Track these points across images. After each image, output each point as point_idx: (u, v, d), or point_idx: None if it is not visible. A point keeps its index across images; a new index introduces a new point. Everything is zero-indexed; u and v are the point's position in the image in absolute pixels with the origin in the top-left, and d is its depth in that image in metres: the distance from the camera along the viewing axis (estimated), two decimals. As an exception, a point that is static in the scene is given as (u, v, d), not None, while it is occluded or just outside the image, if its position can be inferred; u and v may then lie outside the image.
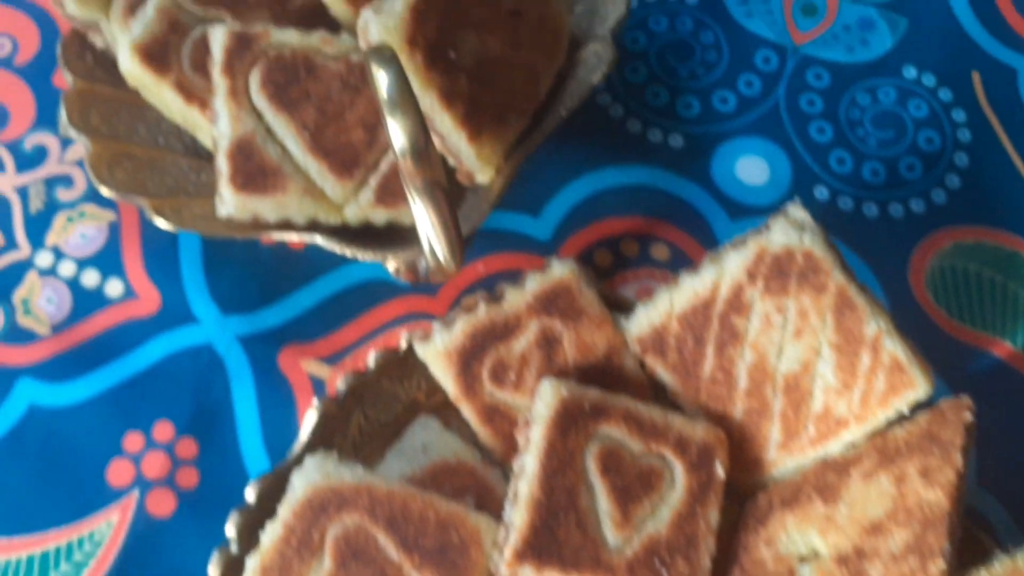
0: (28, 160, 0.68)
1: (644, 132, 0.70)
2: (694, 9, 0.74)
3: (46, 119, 0.69)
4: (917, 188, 0.69)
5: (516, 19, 0.59)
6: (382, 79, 0.46)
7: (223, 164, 0.56)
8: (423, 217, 0.49)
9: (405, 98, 0.46)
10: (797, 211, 0.56)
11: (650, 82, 0.72)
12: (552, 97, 0.62)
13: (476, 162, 0.58)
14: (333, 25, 0.60)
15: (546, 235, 0.67)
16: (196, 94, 0.59)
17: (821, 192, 0.69)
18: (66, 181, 0.68)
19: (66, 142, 0.68)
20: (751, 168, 0.69)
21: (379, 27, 0.53)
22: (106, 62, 0.63)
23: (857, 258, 0.67)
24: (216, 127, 0.57)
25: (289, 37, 0.57)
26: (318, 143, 0.57)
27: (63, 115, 0.60)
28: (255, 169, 0.56)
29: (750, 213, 0.68)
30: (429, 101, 0.56)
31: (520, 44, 0.59)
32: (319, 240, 0.57)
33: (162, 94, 0.59)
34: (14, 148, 0.69)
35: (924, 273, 0.67)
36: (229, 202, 0.56)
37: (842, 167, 0.70)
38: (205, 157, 0.62)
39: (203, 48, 0.59)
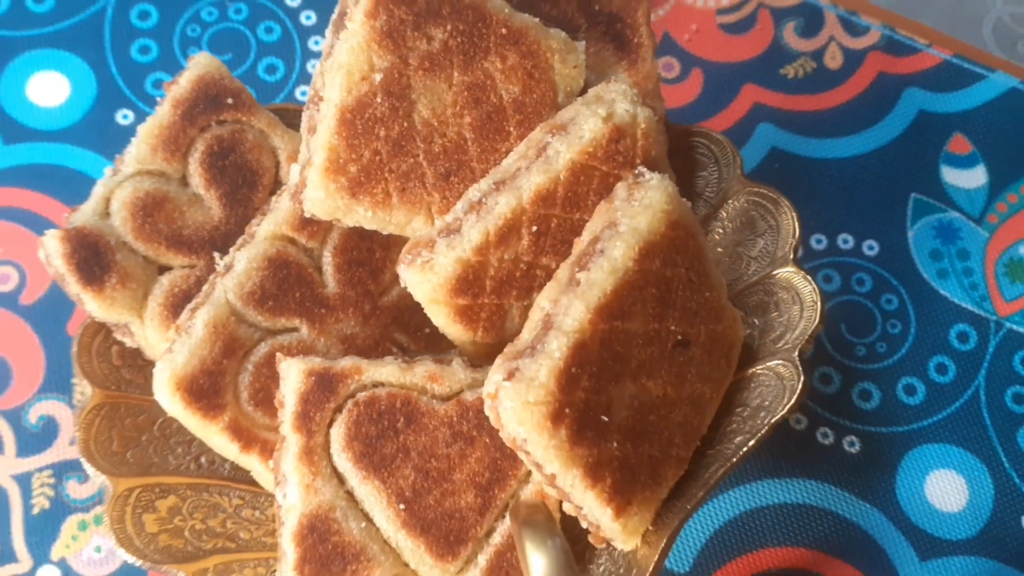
0: (33, 439, 0.55)
1: (811, 432, 0.56)
2: (874, 262, 0.59)
3: (57, 381, 0.56)
4: None
5: (683, 351, 0.44)
6: (536, 563, 0.31)
7: (289, 547, 0.42)
8: None
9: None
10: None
11: (818, 362, 0.57)
12: (715, 426, 0.48)
13: (621, 535, 0.44)
14: (439, 336, 0.46)
15: (684, 566, 0.54)
16: (258, 436, 0.44)
17: (1032, 522, 0.54)
18: (79, 470, 0.54)
19: (81, 415, 0.54)
20: (945, 488, 0.55)
21: (515, 402, 0.39)
22: (137, 359, 0.48)
23: (1079, 615, 0.53)
24: (283, 495, 0.42)
25: (386, 374, 0.43)
26: (416, 516, 0.43)
27: (79, 441, 0.45)
28: (330, 554, 0.42)
29: (945, 551, 0.54)
30: (571, 479, 0.42)
31: (685, 379, 0.45)
32: (412, 641, 0.43)
33: (211, 437, 0.45)
34: (15, 420, 0.55)
35: None
36: (295, 594, 0.42)
37: (1059, 488, 0.55)
38: (251, 483, 0.48)
39: (268, 373, 0.45)
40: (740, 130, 0.62)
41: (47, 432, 0.55)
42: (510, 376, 0.40)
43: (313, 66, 0.63)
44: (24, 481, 0.54)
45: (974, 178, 0.62)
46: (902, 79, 0.63)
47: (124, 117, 0.61)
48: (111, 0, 0.63)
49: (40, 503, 0.53)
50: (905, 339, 0.58)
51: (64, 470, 0.54)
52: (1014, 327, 0.58)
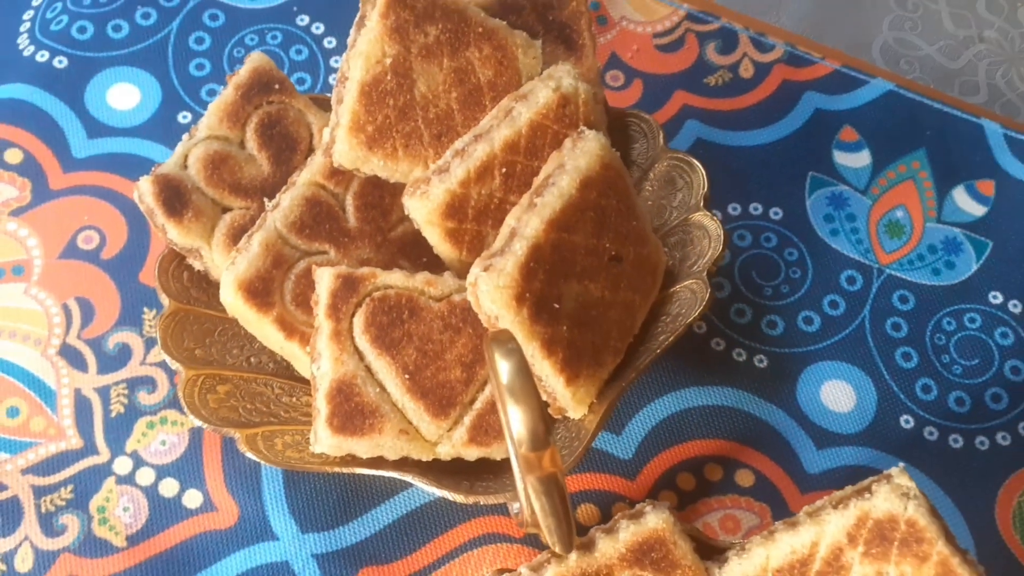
0: (111, 360, 0.68)
1: (728, 351, 0.70)
2: (779, 224, 0.74)
3: (130, 318, 0.69)
4: (1004, 421, 0.68)
5: (617, 264, 0.59)
6: (503, 368, 0.45)
7: (322, 405, 0.56)
8: (535, 504, 0.48)
9: (526, 388, 0.45)
10: (902, 477, 0.55)
11: (734, 299, 0.72)
12: (645, 330, 0.62)
13: (571, 402, 0.58)
14: (433, 256, 0.60)
15: (628, 454, 0.67)
16: (297, 329, 0.58)
17: (906, 421, 0.68)
18: (148, 384, 0.67)
19: (150, 343, 0.68)
20: (837, 394, 0.69)
21: (489, 286, 0.53)
22: (202, 282, 0.63)
23: (942, 492, 0.66)
24: (317, 367, 0.56)
25: (394, 279, 0.57)
26: (417, 384, 0.57)
27: (158, 338, 0.60)
28: (353, 410, 0.56)
29: (836, 442, 0.67)
30: (531, 351, 0.55)
31: (619, 286, 0.59)
32: (413, 480, 0.57)
33: (262, 328, 0.59)
34: (97, 346, 0.68)
35: (1012, 511, 0.66)
36: (325, 442, 0.56)
37: (928, 395, 0.69)
38: (297, 378, 0.62)
39: (305, 282, 0.59)
40: (672, 125, 0.77)
41: (122, 355, 0.68)
42: (486, 269, 0.55)
43: (334, 79, 0.79)
44: (104, 392, 0.67)
45: (860, 160, 0.77)
46: (801, 85, 0.79)
47: (184, 117, 0.77)
48: (174, 29, 0.79)
49: (116, 408, 0.67)
50: (804, 282, 0.72)
51: (136, 384, 0.67)
52: (892, 272, 0.73)
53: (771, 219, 0.74)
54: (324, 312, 0.57)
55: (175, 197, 0.60)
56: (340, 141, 0.58)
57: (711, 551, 0.57)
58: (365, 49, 0.58)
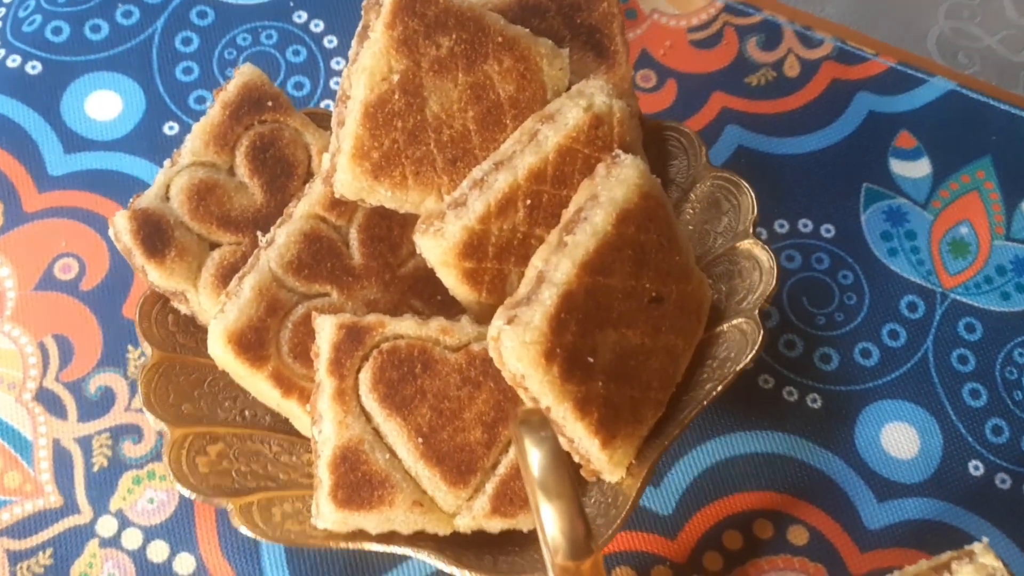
0: (92, 406, 0.61)
1: (778, 390, 0.63)
2: (831, 243, 0.67)
3: (113, 357, 0.63)
4: (1086, 465, 0.61)
5: (658, 306, 0.52)
6: (535, 459, 0.38)
7: (325, 475, 0.49)
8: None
9: (562, 484, 0.38)
10: (987, 556, 0.48)
11: (783, 329, 0.64)
12: (689, 376, 0.55)
13: (607, 465, 0.51)
14: (449, 298, 0.53)
15: (668, 509, 0.60)
16: (296, 384, 0.52)
17: (976, 467, 0.61)
18: (134, 433, 0.61)
19: (135, 386, 0.62)
20: (899, 438, 0.62)
21: (514, 341, 0.46)
22: (189, 326, 0.56)
23: (1017, 549, 0.59)
24: (318, 430, 0.50)
25: (405, 327, 0.50)
26: (432, 448, 0.50)
27: (140, 393, 0.53)
28: (360, 480, 0.49)
29: (899, 493, 0.60)
30: (563, 412, 0.49)
31: (660, 330, 0.52)
32: (427, 558, 0.50)
33: (256, 384, 0.52)
34: (77, 390, 0.62)
35: (1096, 568, 0.59)
36: (328, 518, 0.49)
37: (999, 437, 0.62)
38: (297, 434, 0.55)
39: (304, 331, 0.52)
40: (710, 131, 0.70)
41: (105, 400, 0.62)
42: (510, 321, 0.47)
43: (336, 83, 0.71)
44: (85, 443, 0.61)
45: (919, 169, 0.69)
46: (853, 84, 0.71)
47: (170, 128, 0.69)
48: (158, 28, 0.72)
49: (99, 461, 0.60)
50: (860, 309, 0.65)
51: (120, 433, 0.61)
52: (957, 297, 0.66)
53: (823, 237, 0.67)
54: (326, 368, 0.50)
55: (156, 235, 0.53)
56: (342, 169, 0.51)
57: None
58: (369, 64, 0.50)
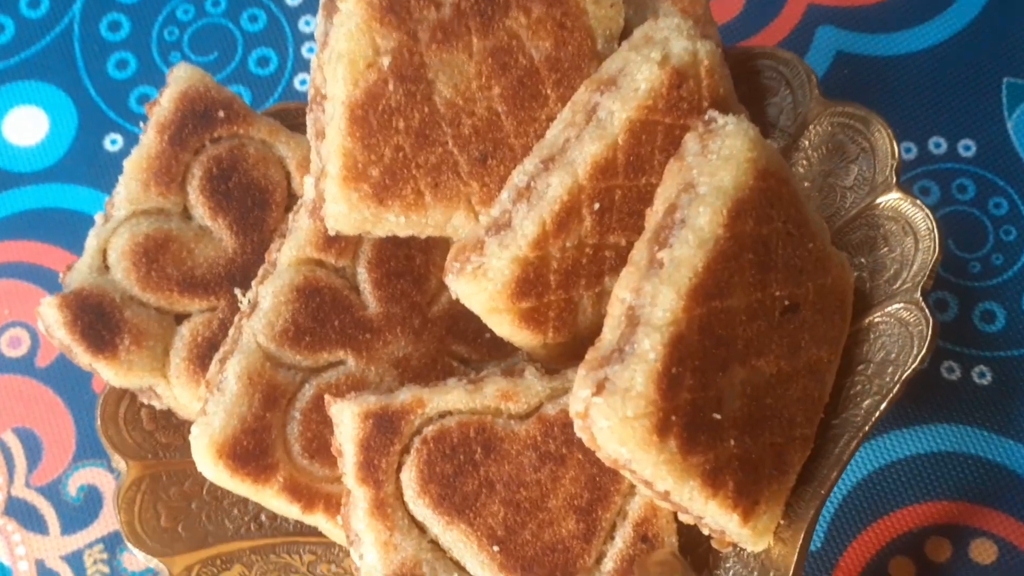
0: (76, 513, 0.51)
1: (935, 368, 0.51)
2: (974, 164, 0.52)
3: (91, 446, 0.52)
4: None
5: (792, 316, 0.38)
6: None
7: (378, 614, 0.37)
8: None
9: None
10: None
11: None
12: (837, 391, 0.42)
13: (751, 538, 0.39)
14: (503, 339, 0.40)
15: (816, 542, 0.51)
16: (320, 492, 0.39)
17: None
18: (134, 540, 0.49)
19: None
20: (1097, 408, 0.49)
21: (612, 419, 0.33)
22: (171, 418, 0.43)
23: None
24: (359, 555, 0.37)
25: (452, 400, 0.38)
26: (513, 556, 0.38)
27: (122, 524, 0.41)
28: (426, 614, 0.37)
29: (1108, 480, 0.48)
30: (688, 492, 0.37)
31: (799, 347, 0.39)
32: None
33: (267, 501, 0.39)
34: (55, 495, 0.51)
35: None
36: (394, 664, 0.37)
37: None
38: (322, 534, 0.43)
39: (318, 418, 0.39)
40: (798, 39, 0.56)
41: (90, 502, 0.51)
42: (600, 389, 0.34)
43: (309, 50, 0.56)
44: (75, 561, 0.50)
45: (1075, 48, 0.54)
46: (973, -52, 0.56)
47: (112, 142, 0.55)
48: (76, 16, 0.57)
49: (99, 582, 0.49)
50: (1023, 246, 0.51)
51: (116, 542, 0.50)
52: None
53: (962, 158, 0.54)
54: (355, 474, 0.37)
55: (99, 322, 0.40)
56: (333, 199, 0.37)
57: None
58: (346, 48, 0.36)
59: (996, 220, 0.53)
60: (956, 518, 0.50)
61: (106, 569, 0.50)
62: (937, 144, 0.54)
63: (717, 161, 0.36)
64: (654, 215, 0.37)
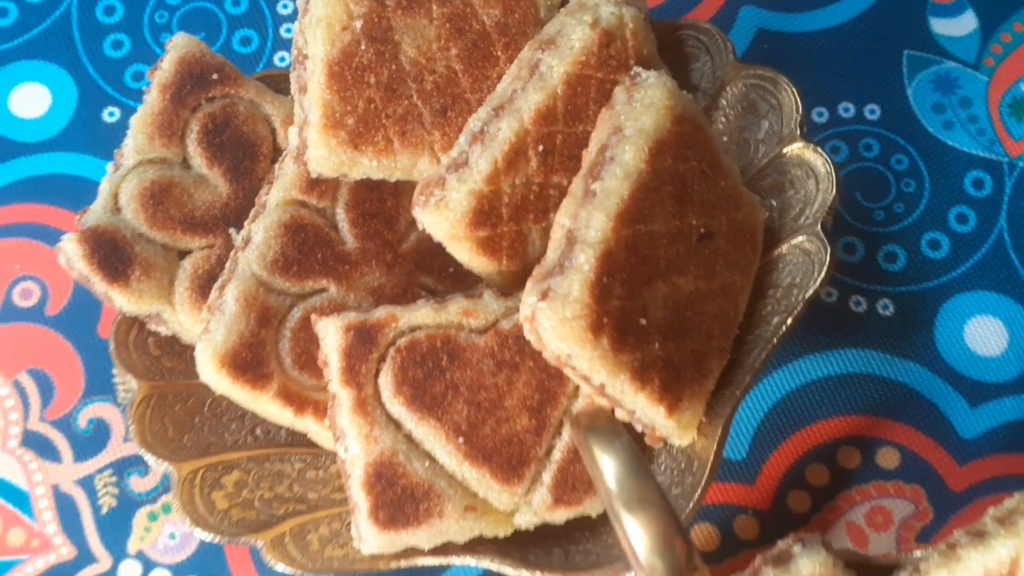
0: (87, 443, 0.55)
1: (843, 302, 0.56)
2: (878, 126, 0.59)
3: (99, 384, 0.56)
4: None
5: (708, 243, 0.44)
6: (609, 469, 0.32)
7: (360, 497, 0.43)
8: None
9: (647, 493, 0.32)
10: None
11: (840, 232, 0.57)
12: (751, 312, 0.48)
13: (676, 431, 0.45)
14: (464, 272, 0.46)
15: (741, 453, 0.54)
16: (309, 399, 0.45)
17: (1076, 352, 0.55)
18: (138, 465, 0.55)
19: (129, 412, 0.55)
20: (984, 333, 0.55)
21: (553, 319, 0.39)
22: (175, 345, 0.49)
23: None
24: (343, 448, 0.43)
25: (421, 317, 0.43)
26: (476, 446, 0.44)
27: (135, 434, 0.46)
28: (401, 497, 0.43)
29: (994, 394, 0.54)
30: (620, 386, 0.42)
31: (714, 270, 0.45)
32: (491, 564, 0.44)
33: (263, 407, 0.45)
34: (66, 427, 0.55)
35: None
36: (372, 542, 0.43)
37: (1096, 315, 0.55)
38: (311, 445, 0.49)
39: (306, 336, 0.45)
40: (723, 17, 0.61)
41: (99, 434, 0.55)
42: (544, 296, 0.40)
43: (287, 31, 0.62)
44: (87, 484, 0.55)
45: (963, 25, 0.61)
46: (877, -64, 0.62)
47: (110, 115, 0.61)
48: (74, 1, 0.62)
49: (107, 502, 0.54)
50: (921, 196, 0.58)
51: (123, 467, 0.55)
52: (1027, 165, 0.58)
53: (868, 120, 0.59)
54: (339, 378, 0.43)
55: (113, 255, 0.45)
56: (314, 144, 0.43)
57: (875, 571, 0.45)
58: (323, 13, 0.42)
59: (898, 174, 0.59)
60: (864, 430, 0.54)
61: (115, 491, 0.55)
62: (846, 109, 0.60)
63: (640, 108, 0.43)
64: (589, 155, 0.44)
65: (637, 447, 0.36)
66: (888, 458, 0.53)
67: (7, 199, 0.59)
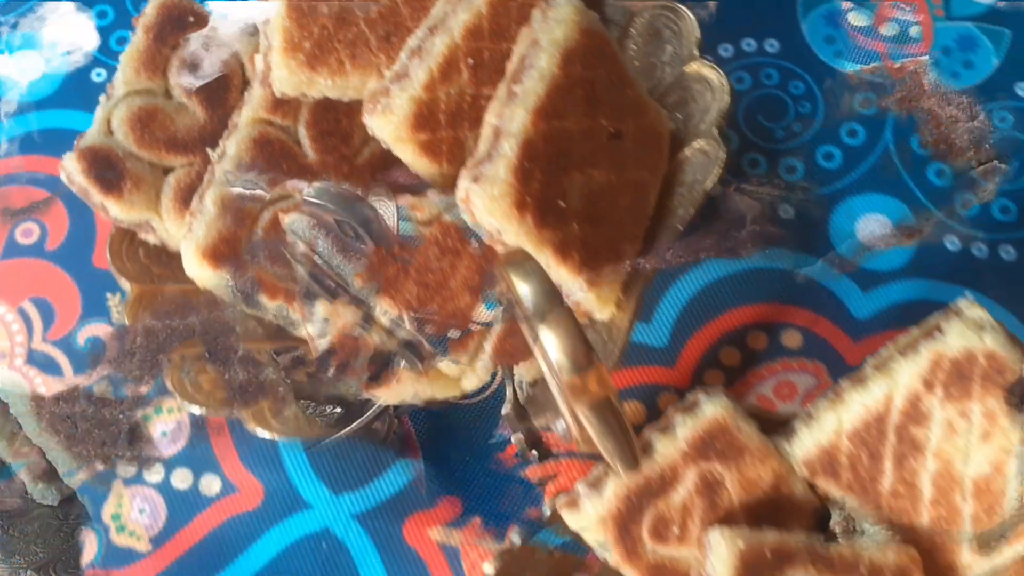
0: (85, 359, 0.62)
1: (749, 208, 0.64)
2: (777, 58, 0.67)
3: (94, 307, 0.63)
4: (1055, 220, 0.63)
5: (618, 141, 0.52)
6: (525, 292, 0.39)
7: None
8: (590, 431, 0.43)
9: (556, 308, 0.39)
10: (972, 309, 0.50)
11: (744, 149, 0.65)
12: (661, 206, 0.56)
13: (596, 304, 0.52)
14: (413, 179, 0.53)
15: (663, 341, 0.61)
16: (281, 288, 0.52)
17: (952, 243, 0.63)
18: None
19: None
20: (873, 228, 0.63)
21: (483, 198, 0.47)
22: (162, 255, 0.56)
23: (1004, 310, 0.61)
24: (311, 327, 0.50)
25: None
26: (425, 322, 0.51)
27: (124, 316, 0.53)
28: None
29: (883, 280, 0.62)
30: (544, 259, 0.49)
31: (625, 166, 0.52)
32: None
33: (241, 295, 0.52)
34: (66, 346, 0.62)
35: (1079, 313, 0.61)
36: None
37: (969, 210, 0.63)
38: (298, 340, 0.56)
39: (276, 235, 0.52)
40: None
41: (95, 351, 0.62)
42: (476, 179, 0.48)
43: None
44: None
45: (850, -36, 0.69)
46: None
47: (98, 75, 0.68)
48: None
49: (107, 408, 0.61)
50: (815, 116, 0.66)
51: (117, 382, 0.62)
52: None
53: (768, 53, 0.67)
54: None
55: (107, 169, 0.52)
56: (277, 66, 0.50)
57: (775, 425, 0.53)
58: (280, -47, 0.49)
59: (795, 98, 0.67)
60: (770, 316, 0.60)
61: (111, 399, 0.62)
62: (748, 44, 0.68)
63: (553, 23, 0.50)
64: (511, 65, 0.51)
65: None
66: (792, 339, 0.60)
67: (11, 152, 0.66)
